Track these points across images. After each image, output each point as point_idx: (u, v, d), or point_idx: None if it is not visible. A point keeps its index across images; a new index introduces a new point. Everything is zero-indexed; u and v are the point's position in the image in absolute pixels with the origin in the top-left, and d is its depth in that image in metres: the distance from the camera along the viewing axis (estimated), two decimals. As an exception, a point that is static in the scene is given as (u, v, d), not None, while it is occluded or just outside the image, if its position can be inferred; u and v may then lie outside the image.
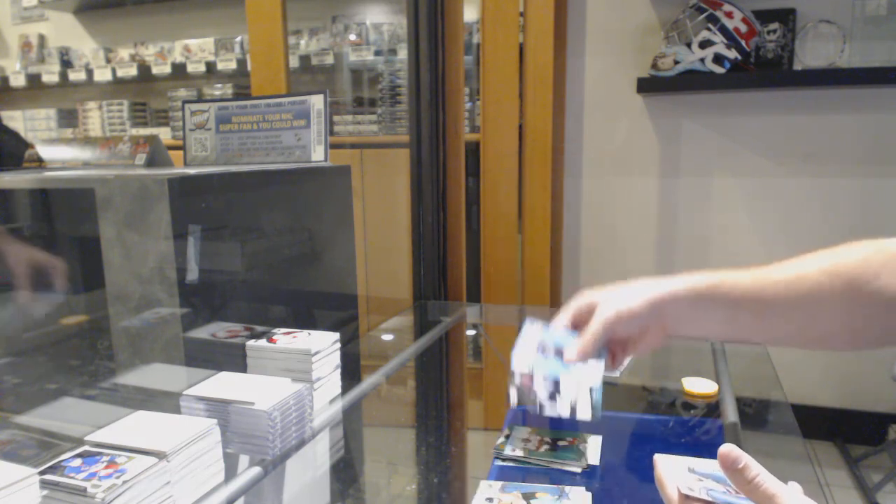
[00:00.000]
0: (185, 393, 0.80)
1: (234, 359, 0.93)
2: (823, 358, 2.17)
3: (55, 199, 1.06)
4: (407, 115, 2.33)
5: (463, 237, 1.90)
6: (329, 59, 2.89)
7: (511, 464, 0.79)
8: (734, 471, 0.48)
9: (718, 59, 1.95)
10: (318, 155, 1.30)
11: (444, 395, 1.28)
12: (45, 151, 1.38)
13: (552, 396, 0.72)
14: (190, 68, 3.19)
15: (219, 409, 0.78)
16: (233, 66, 3.12)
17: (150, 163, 1.26)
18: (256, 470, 0.78)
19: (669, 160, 2.23)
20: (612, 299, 0.75)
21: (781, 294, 0.68)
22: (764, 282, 0.69)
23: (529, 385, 0.72)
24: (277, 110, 1.33)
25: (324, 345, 0.93)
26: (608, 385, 1.14)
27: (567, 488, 0.70)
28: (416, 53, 1.76)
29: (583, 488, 0.70)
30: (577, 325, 0.80)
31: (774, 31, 2.04)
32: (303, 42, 3.04)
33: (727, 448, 0.49)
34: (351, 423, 1.00)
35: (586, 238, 2.36)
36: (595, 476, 0.76)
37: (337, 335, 0.96)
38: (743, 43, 1.94)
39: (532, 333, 0.80)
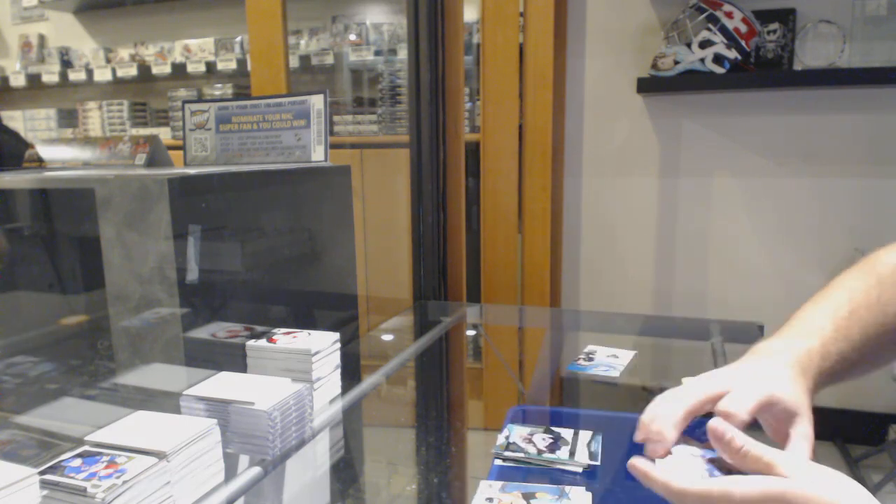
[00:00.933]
0: (185, 393, 0.80)
1: (234, 359, 0.93)
2: (823, 358, 2.16)
3: (55, 199, 1.06)
4: (407, 115, 2.33)
5: (463, 237, 1.90)
6: (329, 59, 2.89)
7: (511, 464, 0.79)
8: (723, 443, 0.50)
9: (718, 59, 1.95)
10: (318, 155, 1.30)
11: (444, 395, 1.28)
12: (45, 151, 1.38)
13: None
14: (190, 68, 3.19)
15: (219, 409, 0.78)
16: (233, 66, 3.12)
17: (150, 163, 1.26)
18: (256, 470, 0.78)
19: (669, 160, 2.23)
20: (800, 409, 0.59)
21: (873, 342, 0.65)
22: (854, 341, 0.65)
23: None
24: (277, 110, 1.33)
25: (324, 345, 0.93)
26: (608, 385, 1.15)
27: (567, 488, 0.70)
28: (416, 53, 1.76)
29: (583, 488, 0.70)
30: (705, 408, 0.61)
31: (774, 31, 2.04)
32: (303, 42, 3.04)
33: (715, 423, 0.51)
34: (351, 423, 1.00)
35: (586, 238, 2.36)
36: (595, 476, 0.76)
37: (337, 335, 0.96)
38: (743, 43, 1.94)
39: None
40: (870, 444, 2.11)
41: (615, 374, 1.14)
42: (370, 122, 2.80)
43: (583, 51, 2.26)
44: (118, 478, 0.59)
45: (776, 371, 0.62)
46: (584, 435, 0.85)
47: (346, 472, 0.90)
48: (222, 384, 0.82)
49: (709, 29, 1.94)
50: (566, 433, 0.85)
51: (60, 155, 1.39)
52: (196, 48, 3.23)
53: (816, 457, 0.57)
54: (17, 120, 3.61)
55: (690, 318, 2.05)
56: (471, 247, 2.01)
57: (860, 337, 0.66)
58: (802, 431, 0.57)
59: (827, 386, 0.66)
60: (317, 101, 1.29)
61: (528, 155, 2.08)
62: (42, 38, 3.65)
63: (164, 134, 3.30)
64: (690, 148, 2.21)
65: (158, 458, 0.63)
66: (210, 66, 3.17)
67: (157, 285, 0.89)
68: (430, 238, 1.82)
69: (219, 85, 3.21)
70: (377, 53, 2.82)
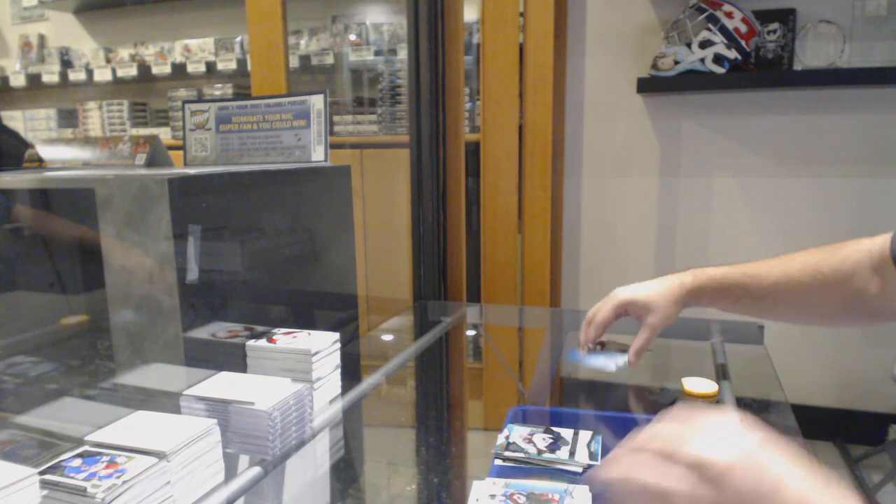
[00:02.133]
0: (185, 393, 0.79)
1: (234, 359, 0.93)
2: (823, 358, 2.17)
3: (55, 199, 1.06)
4: (407, 115, 2.33)
5: (463, 237, 1.90)
6: (329, 59, 2.89)
7: (511, 464, 0.79)
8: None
9: (718, 59, 1.95)
10: (318, 155, 1.30)
11: (444, 395, 1.28)
12: (45, 151, 1.38)
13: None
14: (190, 68, 3.19)
15: (219, 409, 0.78)
16: (233, 66, 3.12)
17: (150, 163, 1.26)
18: (256, 470, 0.78)
19: (669, 160, 2.23)
20: (655, 309, 0.94)
21: (773, 290, 0.86)
22: (760, 280, 0.87)
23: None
24: (277, 110, 1.33)
25: (324, 345, 0.93)
26: (608, 385, 1.15)
27: (571, 487, 0.70)
28: (416, 53, 1.76)
29: (585, 487, 0.70)
30: (619, 316, 1.00)
31: (774, 31, 2.04)
32: (303, 42, 3.04)
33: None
34: (351, 423, 1.00)
35: (586, 238, 2.36)
36: (595, 476, 0.76)
37: (337, 335, 0.96)
38: (743, 43, 1.94)
39: None
40: (870, 444, 2.11)
41: (612, 367, 1.14)
42: (370, 122, 2.80)
43: (583, 51, 2.26)
44: (118, 478, 0.59)
45: (655, 282, 0.96)
46: (584, 435, 0.85)
47: (346, 472, 0.90)
48: (222, 384, 0.82)
49: (709, 29, 1.94)
50: (566, 433, 0.85)
51: (60, 155, 1.39)
52: (196, 48, 3.23)
53: (816, 457, 0.57)
54: (17, 120, 3.61)
55: (690, 318, 2.04)
56: (471, 247, 2.01)
57: (774, 278, 0.86)
58: (648, 321, 0.94)
59: (718, 299, 0.94)
60: (317, 101, 1.29)
61: (528, 155, 2.08)
62: (42, 38, 3.65)
63: (164, 134, 3.30)
64: (690, 148, 2.21)
65: (158, 458, 0.63)
66: (210, 66, 3.17)
67: (158, 285, 0.89)
68: (430, 238, 1.82)
69: (219, 85, 3.21)
70: (377, 53, 2.82)
